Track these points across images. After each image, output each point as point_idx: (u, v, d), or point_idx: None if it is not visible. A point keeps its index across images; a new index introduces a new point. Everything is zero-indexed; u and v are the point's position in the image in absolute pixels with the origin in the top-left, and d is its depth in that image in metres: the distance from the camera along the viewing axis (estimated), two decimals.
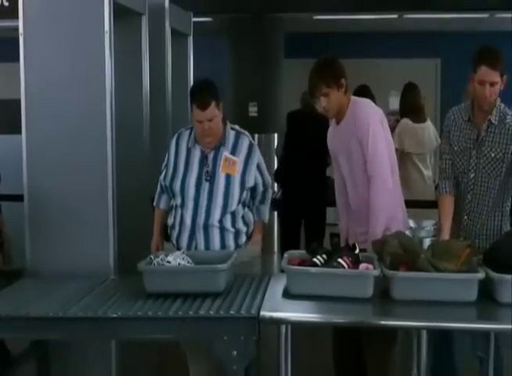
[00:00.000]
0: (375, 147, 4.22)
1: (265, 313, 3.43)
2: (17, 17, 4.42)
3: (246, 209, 4.30)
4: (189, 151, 4.26)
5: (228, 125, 4.27)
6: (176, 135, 4.36)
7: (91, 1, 4.35)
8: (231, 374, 3.39)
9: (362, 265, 3.68)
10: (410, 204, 4.92)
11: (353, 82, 6.68)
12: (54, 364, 4.10)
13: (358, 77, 7.06)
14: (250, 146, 4.26)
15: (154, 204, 4.44)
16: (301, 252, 3.98)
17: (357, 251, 3.81)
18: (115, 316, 3.48)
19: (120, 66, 4.67)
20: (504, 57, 4.14)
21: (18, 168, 4.42)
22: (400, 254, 3.69)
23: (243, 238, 4.26)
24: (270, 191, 4.42)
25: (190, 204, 4.18)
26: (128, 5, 4.82)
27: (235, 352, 3.38)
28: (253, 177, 4.24)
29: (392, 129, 7.17)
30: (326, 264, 3.71)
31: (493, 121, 4.15)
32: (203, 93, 4.12)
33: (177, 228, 4.24)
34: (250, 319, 3.39)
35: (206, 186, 4.17)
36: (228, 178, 4.17)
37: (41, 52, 4.40)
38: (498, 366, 4.11)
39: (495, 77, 4.05)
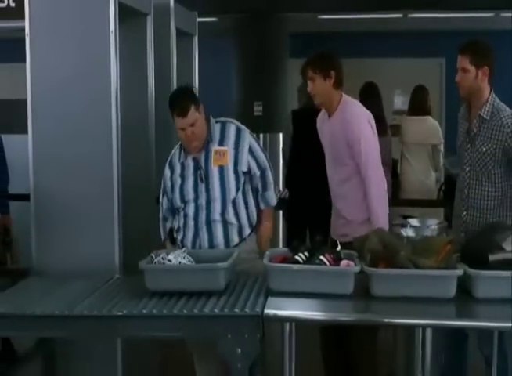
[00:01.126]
0: (367, 151, 4.37)
1: (269, 311, 3.44)
2: (23, 18, 4.45)
3: (250, 199, 4.32)
4: (182, 166, 4.29)
5: (213, 121, 4.28)
6: (168, 160, 4.38)
7: (97, 1, 4.37)
8: (235, 372, 3.40)
9: (343, 262, 3.71)
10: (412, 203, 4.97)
11: (358, 82, 6.71)
12: (60, 362, 4.12)
13: (362, 77, 7.08)
14: (238, 132, 4.26)
15: (162, 238, 4.44)
16: (283, 250, 3.99)
17: (338, 248, 3.86)
18: (120, 314, 3.49)
19: (126, 66, 4.69)
20: (486, 50, 4.27)
21: (27, 167, 4.45)
22: (380, 250, 3.72)
23: (247, 231, 4.27)
24: (269, 173, 4.34)
25: (191, 207, 4.22)
26: (133, 5, 4.84)
27: (239, 350, 3.39)
28: (246, 162, 4.23)
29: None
30: (307, 261, 3.73)
31: (484, 117, 4.21)
32: (179, 100, 4.15)
33: (181, 231, 4.27)
34: (254, 317, 3.40)
35: (202, 186, 4.20)
36: (221, 170, 4.19)
37: (46, 52, 4.43)
38: (504, 365, 4.13)
39: (465, 63, 4.19)
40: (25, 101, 4.45)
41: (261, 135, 9.52)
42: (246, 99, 10.24)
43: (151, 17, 5.20)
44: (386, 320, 3.58)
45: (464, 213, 4.32)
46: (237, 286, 3.82)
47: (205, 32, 7.08)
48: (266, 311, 3.44)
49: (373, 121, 4.49)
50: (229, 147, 4.21)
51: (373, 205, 4.37)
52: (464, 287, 3.59)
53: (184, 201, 4.23)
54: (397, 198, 6.59)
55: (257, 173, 4.30)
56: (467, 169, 4.29)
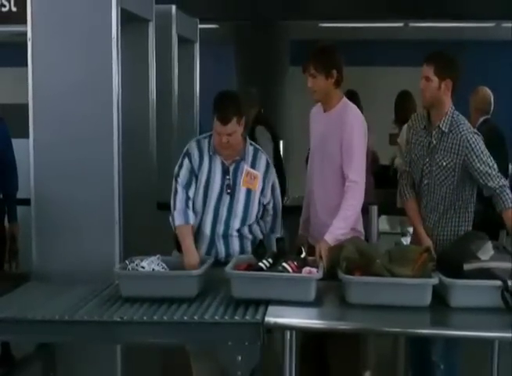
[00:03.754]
0: (358, 157, 4.24)
1: (269, 319, 3.44)
2: (25, 22, 4.45)
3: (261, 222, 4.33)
4: (210, 158, 4.23)
5: (248, 141, 4.29)
6: (196, 142, 4.27)
7: (99, 7, 4.38)
8: None
9: (305, 269, 3.71)
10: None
11: (357, 90, 6.71)
12: (59, 367, 4.10)
13: (363, 85, 7.08)
14: (268, 164, 4.29)
15: (180, 223, 4.16)
16: (249, 256, 3.98)
17: (303, 255, 3.85)
18: (120, 320, 3.49)
19: (127, 72, 4.69)
20: (452, 63, 4.25)
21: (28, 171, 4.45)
22: (356, 258, 3.73)
23: None
24: (280, 216, 4.37)
25: (210, 215, 4.20)
26: (135, 11, 4.84)
27: (239, 358, 3.39)
28: (269, 196, 4.27)
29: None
30: (271, 268, 3.73)
31: (443, 129, 4.21)
32: (225, 108, 4.09)
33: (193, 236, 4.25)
34: (254, 325, 3.41)
35: (227, 199, 4.19)
36: (248, 193, 4.20)
37: (48, 57, 4.44)
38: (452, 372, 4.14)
39: (428, 72, 4.18)
40: (26, 105, 4.45)
41: None
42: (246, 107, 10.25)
43: (153, 23, 5.22)
44: (386, 329, 3.60)
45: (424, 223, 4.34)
46: (209, 293, 3.82)
47: (206, 39, 7.09)
48: (267, 319, 3.43)
49: (366, 129, 4.39)
50: (260, 175, 4.23)
51: (348, 213, 4.17)
52: (440, 295, 3.60)
53: (204, 206, 4.20)
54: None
55: (271, 212, 4.32)
56: (426, 182, 4.28)
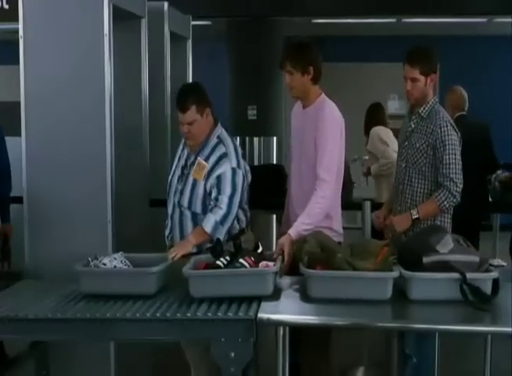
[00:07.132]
0: (331, 153, 4.24)
1: (262, 315, 3.43)
2: (17, 20, 4.44)
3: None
4: (182, 152, 4.41)
5: (216, 133, 4.29)
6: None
7: (91, 4, 4.37)
8: None
9: (262, 264, 3.72)
10: None
11: (351, 85, 6.73)
12: (53, 366, 4.10)
13: (357, 81, 7.09)
14: (222, 156, 4.23)
15: None
16: (207, 256, 3.95)
17: (260, 250, 3.86)
18: (113, 317, 3.49)
19: (119, 69, 4.68)
20: (433, 58, 4.42)
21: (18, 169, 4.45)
22: (317, 252, 3.75)
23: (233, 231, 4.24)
24: (222, 208, 4.18)
25: (171, 204, 4.34)
26: (127, 8, 4.83)
27: (232, 354, 3.38)
28: (209, 185, 4.22)
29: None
30: (229, 265, 3.73)
31: (422, 114, 4.35)
32: (183, 97, 4.21)
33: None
34: (247, 321, 3.40)
35: (179, 186, 4.31)
36: (194, 183, 4.25)
37: (40, 54, 4.43)
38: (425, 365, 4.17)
39: (414, 73, 4.32)
40: (18, 103, 4.44)
41: (256, 139, 9.53)
42: (240, 103, 10.24)
43: (145, 20, 5.20)
44: (384, 325, 3.60)
45: (398, 208, 4.43)
46: (169, 290, 3.82)
47: (199, 35, 7.07)
48: (260, 315, 3.43)
49: (344, 128, 4.37)
50: (208, 166, 4.23)
51: (315, 210, 4.16)
52: (400, 289, 3.62)
53: (169, 195, 4.37)
54: None
55: (214, 193, 4.23)
56: (403, 165, 4.42)
